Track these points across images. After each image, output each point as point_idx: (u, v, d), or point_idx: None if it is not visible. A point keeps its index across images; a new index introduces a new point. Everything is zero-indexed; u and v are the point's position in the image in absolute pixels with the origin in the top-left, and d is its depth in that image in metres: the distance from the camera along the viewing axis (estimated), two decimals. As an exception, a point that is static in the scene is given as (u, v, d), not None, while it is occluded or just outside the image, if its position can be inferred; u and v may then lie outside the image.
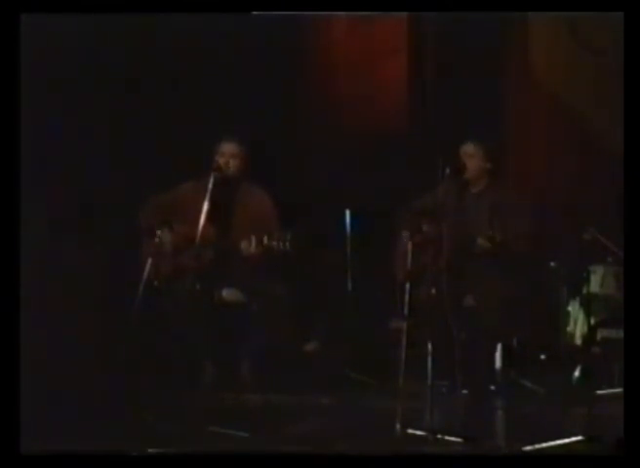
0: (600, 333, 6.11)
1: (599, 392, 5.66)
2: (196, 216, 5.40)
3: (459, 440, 4.67)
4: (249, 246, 5.74)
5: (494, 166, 6.17)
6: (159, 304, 5.78)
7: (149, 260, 5.49)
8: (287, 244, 5.62)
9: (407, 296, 5.05)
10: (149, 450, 4.38)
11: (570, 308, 6.27)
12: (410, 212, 6.12)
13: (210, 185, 5.48)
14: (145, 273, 5.44)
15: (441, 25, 7.36)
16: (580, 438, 4.58)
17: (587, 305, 5.97)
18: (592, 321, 5.99)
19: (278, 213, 6.13)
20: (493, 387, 5.95)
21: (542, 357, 6.46)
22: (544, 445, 4.53)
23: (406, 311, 5.04)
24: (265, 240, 5.68)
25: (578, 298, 6.19)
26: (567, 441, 4.57)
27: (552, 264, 6.44)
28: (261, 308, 5.94)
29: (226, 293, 6.05)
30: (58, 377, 5.50)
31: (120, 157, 6.58)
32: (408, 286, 5.07)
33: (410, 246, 5.24)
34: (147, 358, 5.65)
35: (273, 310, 5.96)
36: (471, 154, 6.11)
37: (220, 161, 5.98)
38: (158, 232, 5.93)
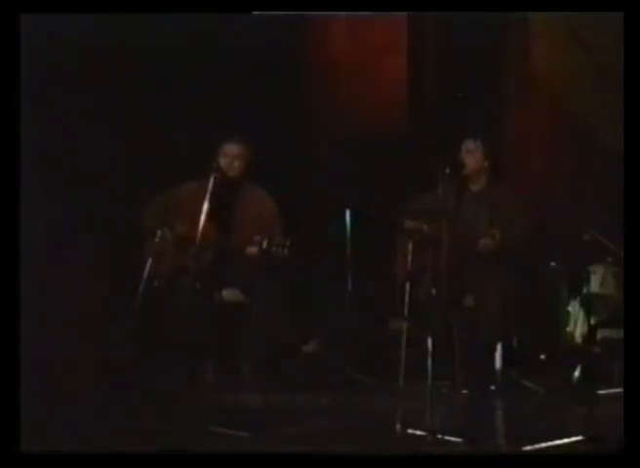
0: (600, 333, 6.11)
1: (599, 392, 5.66)
2: (197, 217, 5.40)
3: (459, 440, 4.66)
4: (255, 250, 5.73)
5: (493, 164, 6.18)
6: (159, 304, 5.78)
7: (149, 260, 5.50)
8: (286, 250, 5.62)
9: (407, 296, 5.05)
10: (149, 450, 4.38)
11: (570, 308, 6.27)
12: (410, 212, 6.12)
13: (210, 186, 5.48)
14: (145, 273, 5.44)
15: (441, 25, 7.36)
16: (579, 438, 4.58)
17: (587, 305, 5.97)
18: (592, 321, 5.99)
19: (279, 214, 6.13)
20: (493, 387, 5.94)
21: (542, 357, 6.46)
22: (544, 445, 4.53)
23: (406, 311, 5.04)
24: (265, 244, 5.67)
25: (578, 298, 6.19)
26: (567, 441, 4.57)
27: (552, 264, 6.44)
28: (261, 308, 5.94)
29: (226, 293, 6.05)
30: (58, 377, 5.50)
31: (121, 157, 6.58)
32: (408, 286, 5.07)
33: (410, 246, 5.24)
34: (147, 358, 5.66)
35: (273, 310, 5.96)
36: (471, 150, 6.11)
37: (224, 162, 5.98)
38: (158, 232, 5.95)
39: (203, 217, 5.36)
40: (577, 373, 6.03)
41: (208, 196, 5.42)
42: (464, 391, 5.80)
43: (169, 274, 5.90)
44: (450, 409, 5.35)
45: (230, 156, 6.06)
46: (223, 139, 6.11)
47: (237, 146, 6.10)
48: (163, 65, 6.84)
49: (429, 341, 5.01)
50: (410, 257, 5.18)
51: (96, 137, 6.52)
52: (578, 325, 6.18)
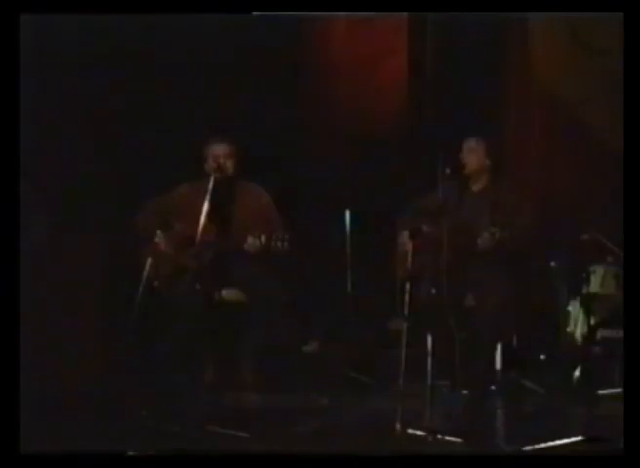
0: (600, 333, 6.11)
1: (599, 392, 5.66)
2: (195, 217, 5.40)
3: (459, 440, 4.66)
4: (256, 242, 5.74)
5: (494, 163, 6.17)
6: (159, 304, 5.78)
7: (149, 260, 5.49)
8: (285, 244, 5.63)
9: (407, 296, 5.05)
10: (149, 450, 4.38)
11: (570, 308, 6.27)
12: (410, 212, 6.12)
13: (210, 185, 5.49)
14: (145, 273, 5.44)
15: (441, 25, 7.36)
16: (580, 438, 4.58)
17: (587, 305, 5.98)
18: (592, 321, 5.99)
19: (277, 209, 6.14)
20: (493, 387, 5.94)
21: (542, 357, 6.46)
22: (544, 445, 4.53)
23: (406, 311, 5.04)
24: (264, 240, 5.69)
25: (578, 298, 6.19)
26: (567, 441, 4.57)
27: (552, 264, 6.44)
28: (261, 308, 5.94)
29: (226, 293, 6.05)
30: (58, 377, 5.50)
31: (120, 157, 6.58)
32: (408, 286, 5.07)
33: (410, 246, 5.24)
34: (147, 358, 5.66)
35: (273, 310, 5.96)
36: (473, 149, 6.10)
37: (220, 161, 6.00)
38: (158, 232, 5.96)
39: (203, 217, 5.36)
40: (577, 373, 6.03)
41: (208, 196, 5.42)
42: (464, 391, 5.80)
43: (169, 274, 5.90)
44: (450, 410, 5.35)
45: (222, 156, 6.08)
46: (212, 140, 6.13)
47: (225, 146, 6.11)
48: (163, 66, 6.84)
49: (429, 341, 5.01)
50: (410, 257, 5.18)
51: (95, 137, 6.52)
52: (578, 325, 6.17)
